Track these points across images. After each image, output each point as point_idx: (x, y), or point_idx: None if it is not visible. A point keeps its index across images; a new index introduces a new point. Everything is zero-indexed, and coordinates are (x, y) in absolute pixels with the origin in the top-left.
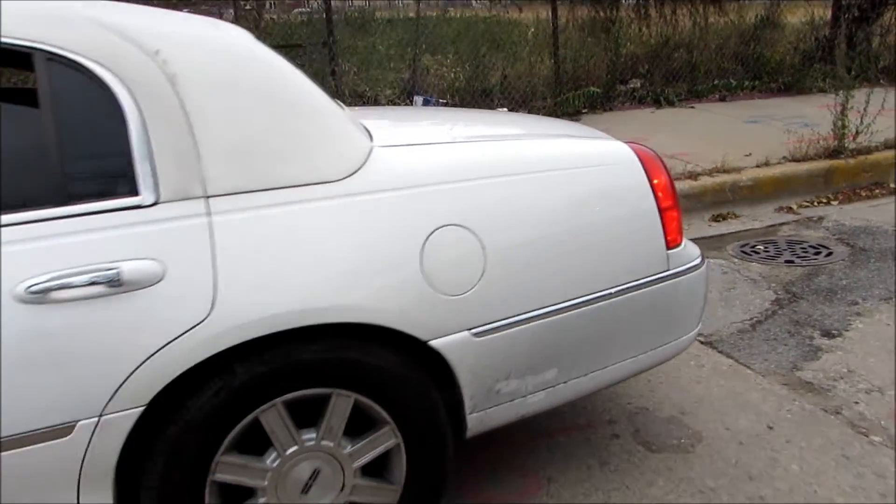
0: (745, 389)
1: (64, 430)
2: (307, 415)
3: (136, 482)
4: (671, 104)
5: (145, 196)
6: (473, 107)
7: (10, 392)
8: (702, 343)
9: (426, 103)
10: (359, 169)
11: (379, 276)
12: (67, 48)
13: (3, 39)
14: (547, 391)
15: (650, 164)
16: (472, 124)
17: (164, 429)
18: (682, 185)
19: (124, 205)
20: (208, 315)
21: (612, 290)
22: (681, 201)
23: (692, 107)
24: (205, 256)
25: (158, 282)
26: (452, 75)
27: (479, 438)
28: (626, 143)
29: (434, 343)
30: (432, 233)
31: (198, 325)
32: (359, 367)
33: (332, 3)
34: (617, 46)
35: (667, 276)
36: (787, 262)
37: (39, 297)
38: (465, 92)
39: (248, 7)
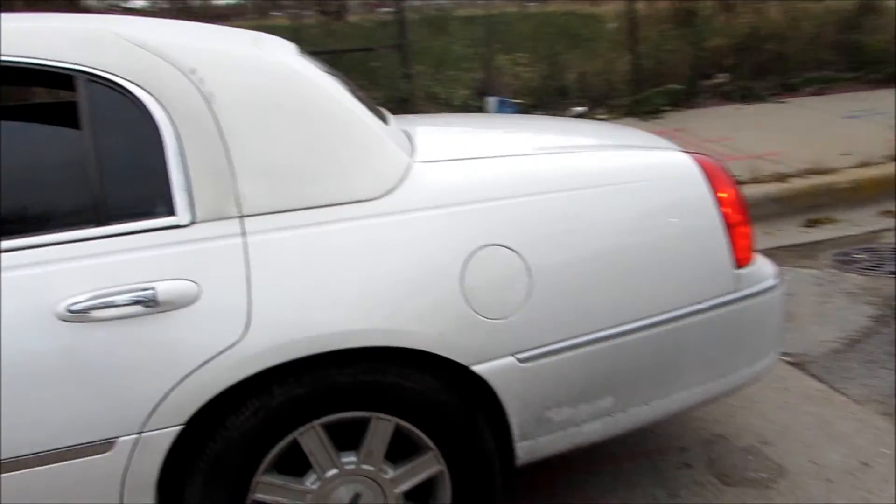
0: (837, 418)
1: (105, 445)
2: (350, 437)
3: (178, 498)
4: (760, 99)
5: (181, 216)
6: (549, 106)
7: (53, 408)
8: (789, 364)
9: (500, 104)
10: (396, 187)
11: (417, 298)
12: (107, 69)
13: (47, 62)
14: (603, 420)
15: (715, 176)
16: (525, 134)
17: (204, 447)
18: (769, 188)
19: (161, 225)
20: (243, 337)
21: (673, 314)
22: (769, 206)
23: (784, 102)
24: (239, 277)
25: (194, 302)
26: (527, 74)
27: (536, 462)
28: (688, 153)
29: (477, 368)
30: (473, 253)
31: (232, 346)
32: (398, 392)
33: (413, 2)
34: (700, 39)
35: (735, 298)
36: (890, 273)
37: (79, 315)
38: (541, 91)
39: (324, 10)
